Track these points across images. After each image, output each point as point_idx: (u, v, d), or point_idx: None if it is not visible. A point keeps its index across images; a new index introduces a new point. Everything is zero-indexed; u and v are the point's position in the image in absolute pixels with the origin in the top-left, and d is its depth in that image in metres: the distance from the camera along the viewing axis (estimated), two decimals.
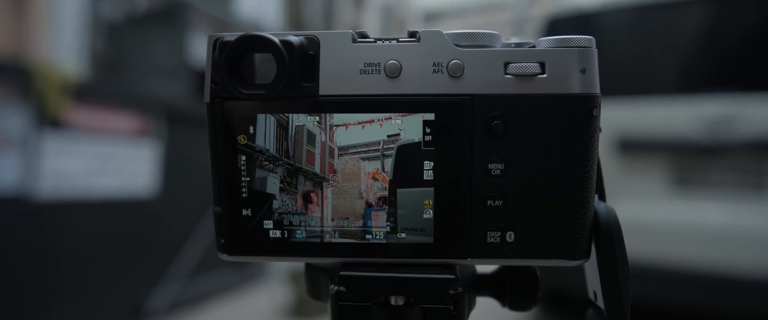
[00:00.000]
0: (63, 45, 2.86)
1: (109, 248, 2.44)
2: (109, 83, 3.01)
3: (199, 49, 3.52)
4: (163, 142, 2.70)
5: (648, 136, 2.10)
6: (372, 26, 8.04)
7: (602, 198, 0.38)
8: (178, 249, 2.81)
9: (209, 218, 2.89)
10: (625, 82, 2.25)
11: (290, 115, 0.34)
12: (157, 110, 2.67)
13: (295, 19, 5.62)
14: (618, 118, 2.11)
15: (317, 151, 0.35)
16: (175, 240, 2.81)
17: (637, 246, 1.93)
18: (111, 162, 2.44)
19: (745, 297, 1.88)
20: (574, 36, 0.34)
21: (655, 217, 2.02)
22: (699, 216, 1.97)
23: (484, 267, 0.39)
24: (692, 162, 2.04)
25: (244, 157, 0.35)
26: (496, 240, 0.35)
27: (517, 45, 0.37)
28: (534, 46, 0.35)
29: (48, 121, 2.14)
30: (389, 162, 0.35)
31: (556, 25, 2.46)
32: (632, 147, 2.12)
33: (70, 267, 2.25)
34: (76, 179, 2.27)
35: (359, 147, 0.35)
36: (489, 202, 0.34)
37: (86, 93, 2.31)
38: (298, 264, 0.44)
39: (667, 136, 2.06)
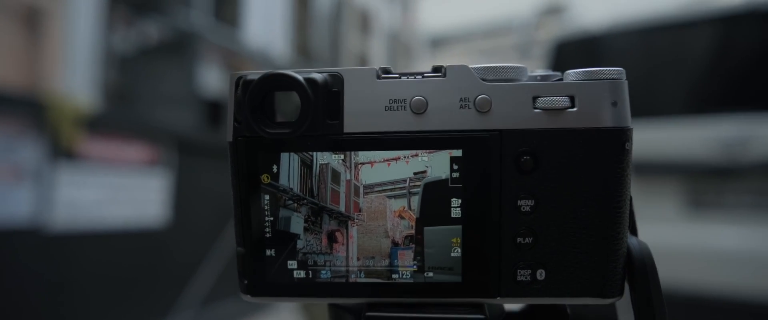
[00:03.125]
0: (76, 77, 2.90)
1: (120, 278, 2.43)
2: (121, 114, 3.04)
3: (208, 79, 3.56)
4: (174, 171, 2.72)
5: (661, 158, 2.07)
6: (378, 53, 8.11)
7: (634, 233, 0.37)
8: (189, 279, 2.79)
9: (220, 248, 2.89)
10: (636, 103, 2.20)
11: (314, 153, 0.34)
12: (167, 140, 2.69)
13: (302, 48, 5.68)
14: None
15: (342, 189, 0.34)
16: (186, 269, 2.80)
17: None
18: (122, 193, 2.45)
19: None
20: (604, 68, 0.33)
21: (669, 241, 1.98)
22: (714, 239, 1.94)
23: (513, 305, 0.38)
24: (706, 184, 2.01)
25: (267, 197, 0.34)
26: (526, 278, 0.34)
27: (543, 77, 0.36)
28: (561, 79, 0.34)
29: (61, 152, 2.16)
30: (416, 200, 0.34)
31: (564, 48, 2.46)
32: (645, 169, 2.09)
33: (82, 297, 2.25)
34: (88, 210, 2.27)
35: (385, 185, 0.34)
36: (519, 239, 0.33)
37: (99, 124, 2.34)
38: None
39: (681, 158, 2.03)
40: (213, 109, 4.00)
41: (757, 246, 1.86)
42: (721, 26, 2.19)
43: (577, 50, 2.49)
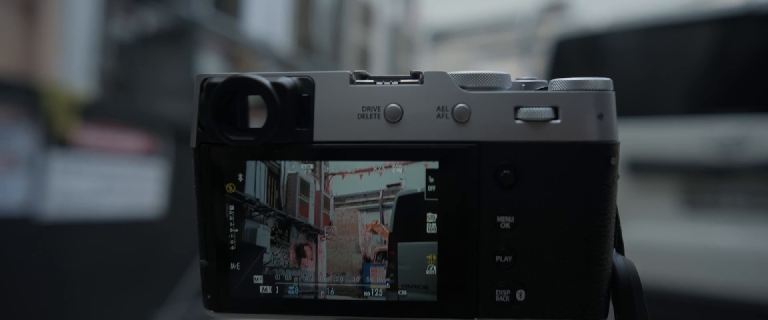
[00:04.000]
0: (72, 64, 2.87)
1: (115, 268, 2.42)
2: (118, 103, 3.02)
3: (207, 69, 3.53)
4: (171, 161, 2.70)
5: (658, 158, 2.08)
6: (379, 46, 8.07)
7: (620, 251, 0.35)
8: (185, 269, 2.79)
9: None
10: (634, 102, 2.23)
11: (282, 162, 0.32)
12: (164, 130, 2.68)
13: (303, 39, 5.65)
14: (627, 139, 2.07)
15: (311, 201, 0.32)
16: (182, 260, 2.79)
17: (646, 270, 1.89)
18: (118, 182, 2.44)
19: None
20: (590, 78, 0.31)
21: (664, 240, 1.99)
22: (710, 238, 1.94)
23: None
24: (703, 184, 2.01)
25: (232, 207, 0.33)
26: (505, 298, 0.32)
27: (528, 84, 0.34)
28: (546, 88, 0.33)
29: (56, 140, 2.14)
30: (389, 214, 0.32)
31: (564, 45, 2.45)
32: (641, 168, 2.09)
33: (76, 287, 2.24)
34: (82, 199, 2.26)
35: (357, 197, 0.32)
36: (498, 258, 0.32)
37: (94, 112, 2.32)
38: None
39: (677, 158, 2.03)
40: None
41: (753, 245, 1.87)
42: (721, 27, 2.19)
43: (577, 48, 2.49)
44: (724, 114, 2.01)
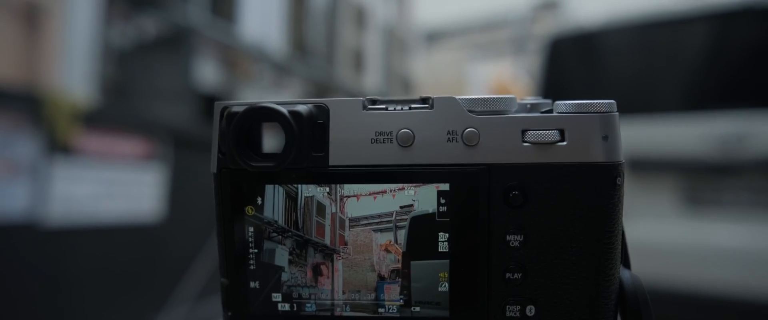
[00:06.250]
0: (73, 72, 2.88)
1: (115, 272, 2.43)
2: (117, 109, 3.03)
3: (204, 74, 3.54)
4: (169, 166, 2.71)
5: (658, 156, 2.06)
6: (373, 48, 8.07)
7: (627, 266, 0.36)
8: (184, 273, 2.79)
9: (214, 243, 2.88)
10: (632, 99, 2.21)
11: (299, 186, 0.33)
12: (163, 134, 2.68)
13: (298, 42, 5.65)
14: (626, 137, 2.06)
15: (327, 222, 0.34)
16: (181, 263, 2.79)
17: (647, 268, 1.89)
18: (118, 187, 2.44)
19: None
20: (594, 101, 0.32)
21: (665, 238, 1.97)
22: (711, 236, 1.93)
23: None
24: (703, 181, 1.99)
25: (251, 229, 0.34)
26: (515, 314, 0.33)
27: (533, 106, 0.35)
28: (551, 110, 0.34)
29: (58, 147, 2.15)
30: (402, 234, 0.33)
31: (559, 43, 2.44)
32: (642, 166, 2.07)
33: (77, 292, 2.24)
34: (84, 204, 2.27)
35: (371, 218, 0.33)
36: (508, 275, 0.33)
37: (95, 119, 2.33)
38: None
39: (677, 155, 2.02)
40: (209, 104, 3.98)
41: (754, 243, 1.85)
42: (718, 23, 2.17)
43: (572, 46, 2.47)
44: (724, 110, 1.99)
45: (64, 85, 2.75)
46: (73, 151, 2.22)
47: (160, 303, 2.65)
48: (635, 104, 2.19)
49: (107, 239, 2.38)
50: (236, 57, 4.25)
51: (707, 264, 1.90)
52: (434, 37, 10.16)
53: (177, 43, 3.51)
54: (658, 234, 1.98)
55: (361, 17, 7.59)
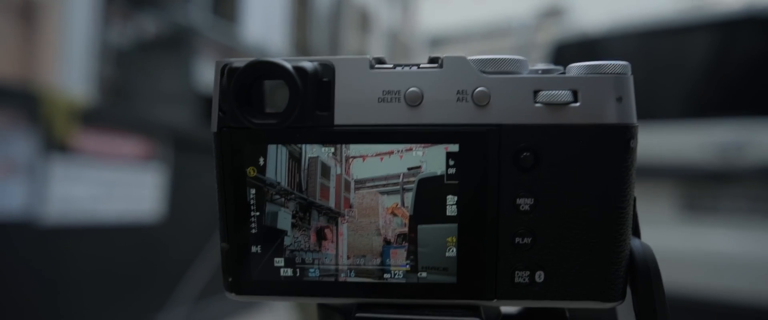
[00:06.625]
0: (71, 71, 2.88)
1: (114, 273, 2.41)
2: (116, 108, 3.02)
3: (205, 75, 3.54)
4: (169, 167, 2.70)
5: (657, 162, 2.07)
6: (377, 52, 8.11)
7: (637, 234, 0.35)
8: (183, 274, 2.78)
9: (214, 243, 2.87)
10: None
11: (303, 145, 0.32)
12: (163, 135, 2.67)
13: (301, 45, 5.66)
14: None
15: (332, 184, 0.33)
16: (180, 265, 2.78)
17: None
18: (117, 188, 2.43)
19: None
20: (608, 62, 0.31)
21: (663, 244, 1.96)
22: (709, 243, 1.93)
23: (510, 308, 0.37)
24: (702, 188, 2.00)
25: (253, 191, 0.33)
26: (524, 280, 0.32)
27: (544, 71, 0.34)
28: (563, 73, 0.33)
29: (55, 146, 2.14)
30: (409, 197, 0.32)
31: (563, 50, 2.46)
32: (641, 173, 2.06)
33: (76, 292, 2.23)
34: (82, 204, 2.25)
35: (377, 180, 0.32)
36: (517, 240, 0.32)
37: (93, 118, 2.32)
38: None
39: (677, 162, 2.03)
40: (209, 105, 3.97)
41: (752, 250, 1.86)
42: (720, 31, 2.19)
43: (576, 53, 2.49)
44: (724, 118, 2.01)
45: (61, 83, 2.74)
46: (70, 150, 2.21)
47: (159, 304, 2.63)
48: (637, 111, 2.20)
49: (106, 239, 2.37)
50: (240, 58, 4.26)
51: (705, 270, 1.90)
52: (438, 42, 10.21)
53: (177, 43, 3.51)
54: (656, 240, 1.96)
55: (364, 21, 7.62)
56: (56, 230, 2.14)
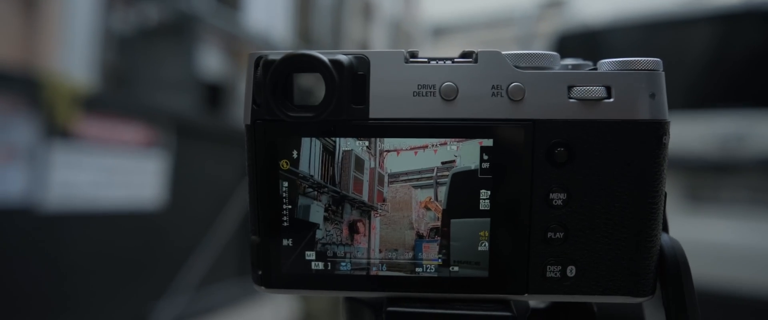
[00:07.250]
0: (73, 57, 2.86)
1: (114, 260, 2.42)
2: (119, 95, 3.01)
3: (208, 63, 3.52)
4: (171, 154, 2.69)
5: None
6: (379, 40, 8.07)
7: (666, 230, 0.36)
8: (184, 262, 2.78)
9: (216, 232, 2.88)
10: None
11: (337, 139, 0.32)
12: (165, 122, 2.67)
13: (303, 33, 5.64)
14: None
15: (366, 177, 0.33)
16: (182, 252, 2.79)
17: None
18: (118, 175, 2.43)
19: (758, 317, 1.85)
20: (641, 58, 0.32)
21: None
22: (710, 234, 1.95)
23: (539, 302, 0.37)
24: (703, 179, 2.02)
25: (286, 184, 0.33)
26: (556, 274, 0.32)
27: (575, 66, 0.35)
28: (594, 68, 0.33)
29: (57, 132, 2.13)
30: (443, 191, 0.32)
31: (565, 41, 2.46)
32: None
33: (76, 279, 2.23)
34: (83, 191, 2.25)
35: (411, 174, 0.32)
36: (549, 234, 0.32)
37: (95, 105, 2.31)
38: None
39: (678, 153, 2.04)
40: (212, 93, 3.97)
41: (753, 241, 1.87)
42: (721, 24, 2.19)
43: (578, 44, 2.49)
44: (725, 109, 2.01)
45: (63, 69, 2.73)
46: (72, 136, 2.20)
47: (159, 292, 2.64)
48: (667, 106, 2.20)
49: (107, 226, 2.37)
50: (240, 46, 4.23)
51: (706, 261, 1.91)
52: (440, 32, 10.17)
53: (180, 30, 3.49)
54: None
55: (367, 10, 7.58)
56: (57, 216, 2.14)
